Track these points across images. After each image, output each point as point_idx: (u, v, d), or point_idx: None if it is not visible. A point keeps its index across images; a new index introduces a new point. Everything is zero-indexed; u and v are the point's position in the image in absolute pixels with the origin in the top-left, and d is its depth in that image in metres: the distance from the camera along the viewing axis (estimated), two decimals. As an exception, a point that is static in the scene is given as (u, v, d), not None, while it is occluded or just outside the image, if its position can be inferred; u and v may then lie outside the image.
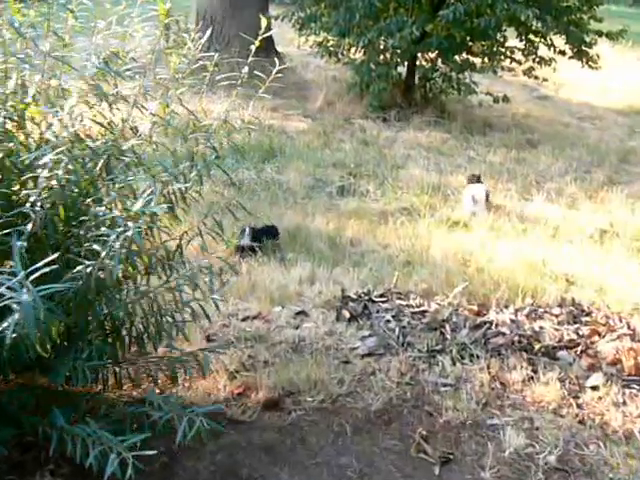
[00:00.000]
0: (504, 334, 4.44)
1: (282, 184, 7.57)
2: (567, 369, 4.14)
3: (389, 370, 4.00)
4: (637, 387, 4.03)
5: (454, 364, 4.11)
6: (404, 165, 8.51)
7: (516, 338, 4.40)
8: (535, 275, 5.53)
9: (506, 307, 4.90)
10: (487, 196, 7.12)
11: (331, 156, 8.66)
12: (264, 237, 5.90)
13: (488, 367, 4.07)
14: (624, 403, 3.86)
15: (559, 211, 7.17)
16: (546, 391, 3.89)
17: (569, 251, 6.16)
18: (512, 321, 4.61)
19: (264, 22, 3.44)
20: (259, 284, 5.12)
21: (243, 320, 4.59)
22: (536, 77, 10.79)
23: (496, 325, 4.57)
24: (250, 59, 3.56)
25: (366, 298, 4.88)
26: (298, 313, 4.68)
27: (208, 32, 3.77)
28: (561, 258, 5.95)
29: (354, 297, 4.89)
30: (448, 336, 4.38)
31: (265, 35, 3.47)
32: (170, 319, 3.34)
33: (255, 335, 4.34)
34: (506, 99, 10.58)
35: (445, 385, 3.89)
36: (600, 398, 3.88)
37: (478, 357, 4.18)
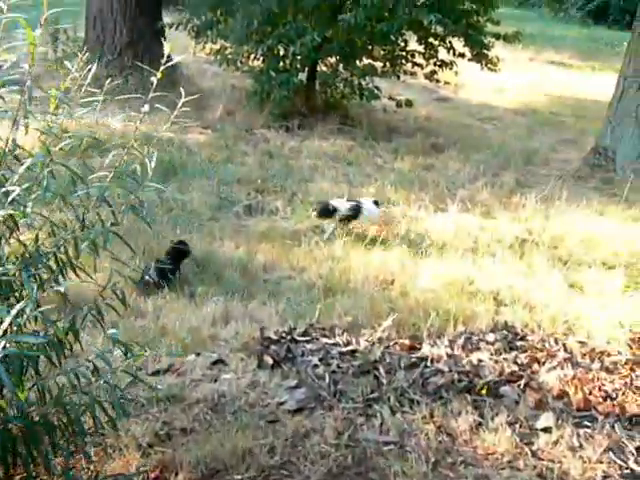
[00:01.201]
0: (443, 372, 4.00)
1: (185, 205, 6.94)
2: (514, 409, 3.74)
3: (324, 429, 3.47)
4: (589, 424, 3.66)
5: (394, 414, 3.63)
6: (312, 178, 8.02)
7: (456, 376, 3.96)
8: (462, 296, 5.13)
9: (439, 337, 4.47)
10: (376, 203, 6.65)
11: (235, 171, 8.07)
12: (170, 266, 5.28)
13: (431, 415, 3.61)
14: (580, 446, 3.47)
15: (475, 221, 6.82)
16: (497, 439, 3.45)
17: (492, 265, 5.81)
18: (449, 356, 4.18)
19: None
20: (168, 327, 4.51)
21: (153, 374, 3.98)
22: (438, 80, 10.51)
23: (432, 361, 4.13)
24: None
25: (288, 338, 4.35)
26: (215, 362, 4.10)
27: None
28: (485, 274, 5.58)
29: (275, 338, 4.35)
30: (383, 380, 3.90)
31: (167, 59, 2.88)
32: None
33: (168, 394, 3.73)
34: (409, 103, 10.26)
35: (388, 443, 3.39)
36: (555, 443, 3.48)
37: (419, 403, 3.72)
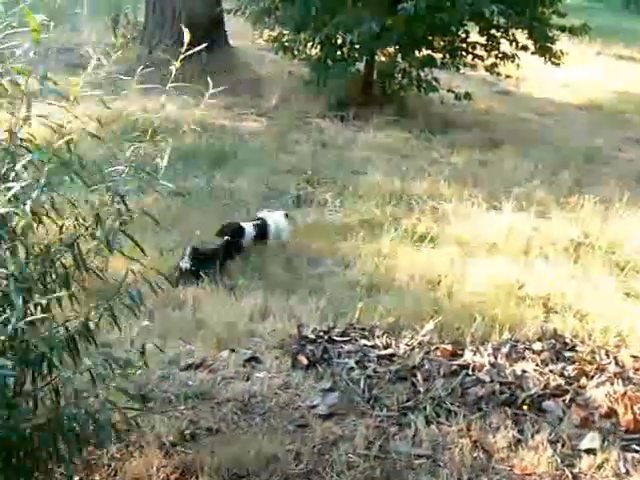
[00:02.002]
0: (483, 382, 3.80)
1: (234, 194, 6.84)
2: (557, 426, 3.52)
3: (354, 437, 3.32)
4: (638, 448, 3.42)
5: (428, 425, 3.46)
6: (364, 170, 7.83)
7: (497, 387, 3.76)
8: (511, 300, 4.90)
9: (482, 344, 4.26)
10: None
11: (287, 160, 7.94)
12: (214, 259, 5.17)
13: (468, 428, 3.43)
14: (627, 473, 3.25)
15: (529, 221, 6.54)
16: (536, 459, 3.25)
17: (544, 269, 5.55)
18: (491, 365, 3.97)
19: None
20: (205, 320, 4.42)
21: (185, 369, 3.88)
22: (498, 74, 10.17)
23: (473, 369, 3.93)
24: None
25: (326, 338, 4.19)
26: (249, 360, 3.98)
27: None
28: (536, 278, 5.34)
29: (312, 337, 4.20)
30: (420, 388, 3.72)
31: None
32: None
33: (198, 391, 3.63)
34: (468, 96, 9.92)
35: (420, 457, 3.23)
36: (599, 467, 3.26)
37: (456, 414, 3.53)
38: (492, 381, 3.81)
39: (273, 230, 5.74)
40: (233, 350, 4.08)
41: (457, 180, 7.59)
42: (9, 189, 1.89)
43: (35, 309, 2.05)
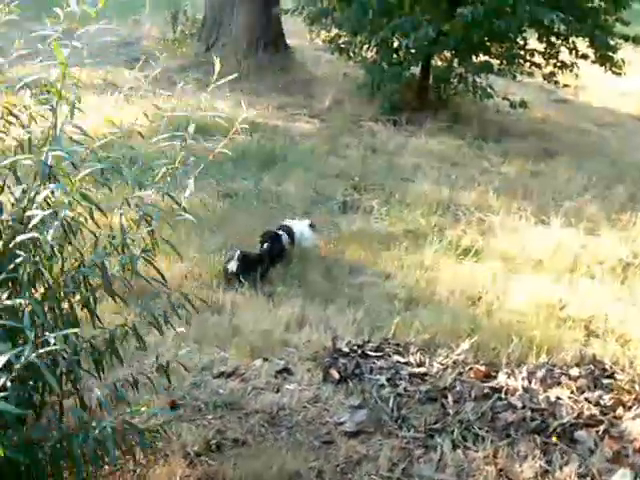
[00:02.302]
0: (515, 408, 3.75)
1: (281, 197, 6.87)
2: (587, 459, 3.45)
3: (378, 458, 3.31)
4: (671, 488, 3.33)
5: (455, 449, 3.43)
6: (413, 177, 7.78)
7: (528, 414, 3.70)
8: (551, 321, 4.82)
9: (518, 366, 4.20)
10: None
11: (336, 164, 7.94)
12: (257, 265, 5.21)
13: (495, 455, 3.39)
14: (656, 514, 3.16)
15: (578, 238, 6.41)
16: (563, 493, 3.19)
17: (589, 288, 5.45)
18: (525, 389, 3.91)
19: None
20: (241, 328, 4.46)
21: (217, 377, 3.92)
22: (556, 82, 9.98)
23: (506, 393, 3.88)
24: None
25: (359, 352, 4.19)
26: (280, 371, 4.00)
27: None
28: (580, 298, 5.23)
29: (346, 350, 4.20)
30: (450, 410, 3.69)
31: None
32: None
33: (228, 401, 3.66)
34: (524, 104, 9.76)
35: (443, 483, 3.20)
36: (627, 506, 3.19)
37: (484, 439, 3.50)
38: (524, 407, 3.75)
39: (298, 239, 5.70)
40: (266, 359, 4.11)
41: (507, 191, 7.49)
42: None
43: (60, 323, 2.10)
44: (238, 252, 5.21)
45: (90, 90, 9.41)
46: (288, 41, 11.79)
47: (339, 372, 3.97)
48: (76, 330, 2.25)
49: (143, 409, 2.54)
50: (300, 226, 5.80)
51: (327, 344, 4.30)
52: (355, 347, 4.24)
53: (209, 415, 3.54)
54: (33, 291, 2.14)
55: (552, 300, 5.13)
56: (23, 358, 1.59)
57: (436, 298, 5.10)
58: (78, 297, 2.20)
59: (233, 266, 5.15)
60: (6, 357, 1.60)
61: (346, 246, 5.89)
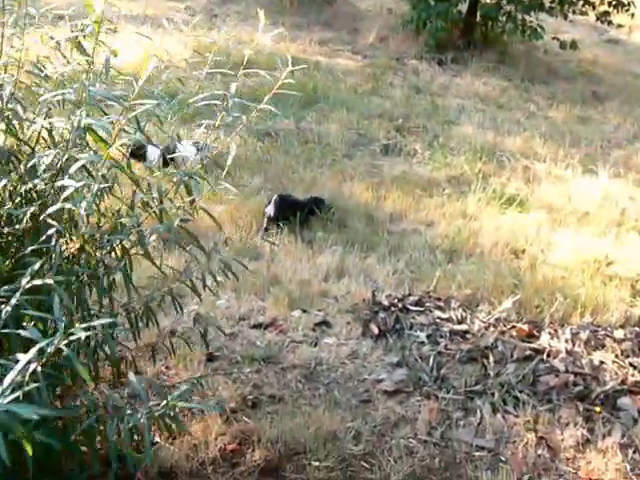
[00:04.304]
0: (557, 371, 3.59)
1: (322, 138, 6.67)
2: (630, 428, 3.30)
3: (416, 420, 3.20)
4: None
5: (494, 413, 3.30)
6: (457, 120, 7.51)
7: (571, 378, 3.55)
8: (596, 279, 4.62)
9: (562, 326, 4.04)
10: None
11: (379, 104, 7.69)
12: (298, 210, 5.04)
13: (535, 421, 3.25)
14: (703, 488, 3.03)
15: (627, 189, 6.15)
16: (604, 464, 3.06)
17: (636, 244, 5.22)
18: (568, 352, 3.75)
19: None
20: (279, 276, 4.33)
21: (254, 327, 3.82)
22: (610, 22, 9.51)
23: (548, 355, 3.72)
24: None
25: (399, 306, 4.05)
26: (319, 323, 3.88)
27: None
28: (627, 254, 5.02)
29: (386, 304, 4.07)
30: (490, 371, 3.55)
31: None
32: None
33: (265, 354, 3.56)
34: (574, 45, 9.34)
35: (482, 448, 3.08)
36: (673, 479, 3.05)
37: (524, 404, 3.36)
38: (567, 371, 3.60)
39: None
40: (305, 311, 4.00)
41: (553, 137, 7.21)
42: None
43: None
44: (276, 196, 5.06)
45: (130, 22, 9.20)
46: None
47: (378, 327, 3.85)
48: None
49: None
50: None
51: (367, 296, 4.16)
52: (395, 300, 4.10)
53: (246, 369, 3.45)
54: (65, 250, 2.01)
55: (598, 256, 4.91)
56: (53, 347, 1.48)
57: (478, 250, 4.92)
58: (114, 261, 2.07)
59: (271, 210, 5.01)
60: (37, 347, 1.48)
61: (388, 192, 5.70)
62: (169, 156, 4.60)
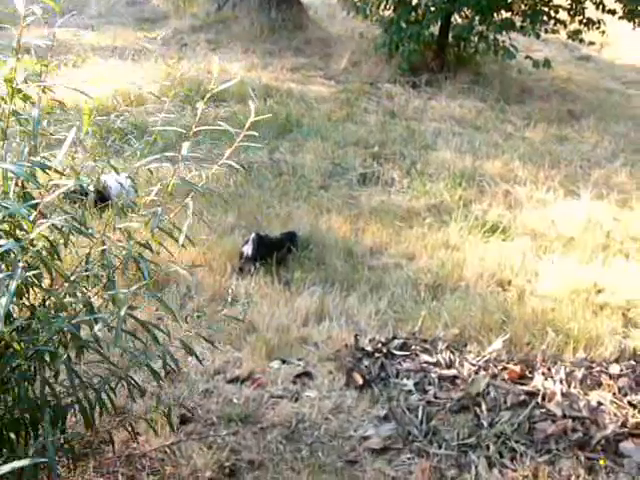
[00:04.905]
0: (554, 417, 3.37)
1: (296, 169, 6.43)
2: (635, 477, 3.07)
3: (407, 482, 2.95)
4: None
5: (491, 468, 3.06)
6: (434, 144, 7.32)
7: (569, 424, 3.32)
8: (587, 309, 4.41)
9: (555, 363, 3.82)
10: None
11: (354, 131, 7.48)
12: (275, 249, 4.80)
13: (535, 475, 3.02)
14: None
15: (610, 211, 5.97)
16: (611, 519, 2.83)
17: (624, 269, 5.03)
18: (563, 394, 3.52)
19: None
20: (256, 322, 4.07)
21: (231, 382, 3.56)
22: (581, 40, 9.40)
23: (543, 398, 3.50)
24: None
25: (384, 351, 3.81)
26: (299, 375, 3.63)
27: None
28: (615, 280, 4.81)
29: (369, 350, 3.82)
30: (484, 421, 3.31)
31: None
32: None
33: (243, 413, 3.29)
34: (548, 64, 9.20)
35: (480, 512, 2.84)
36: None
37: (522, 456, 3.13)
38: (564, 415, 3.37)
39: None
40: (284, 361, 3.74)
41: (532, 159, 7.04)
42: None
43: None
44: (253, 235, 4.82)
45: (98, 53, 8.97)
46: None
47: (363, 376, 3.60)
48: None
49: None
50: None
51: (349, 340, 3.92)
52: (379, 345, 3.86)
53: (222, 431, 3.18)
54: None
55: (586, 284, 4.71)
56: None
57: (463, 283, 4.69)
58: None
59: (248, 250, 4.76)
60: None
61: (366, 224, 5.48)
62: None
